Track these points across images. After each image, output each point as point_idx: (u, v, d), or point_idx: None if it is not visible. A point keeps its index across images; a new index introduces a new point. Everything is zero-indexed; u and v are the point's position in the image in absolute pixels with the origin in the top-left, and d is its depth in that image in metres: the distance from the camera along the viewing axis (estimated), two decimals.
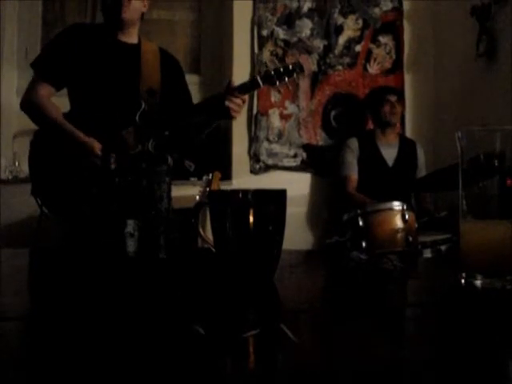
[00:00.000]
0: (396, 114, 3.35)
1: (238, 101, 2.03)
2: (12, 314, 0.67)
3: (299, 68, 2.14)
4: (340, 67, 3.77)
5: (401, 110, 3.46)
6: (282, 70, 2.11)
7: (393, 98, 3.34)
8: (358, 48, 3.81)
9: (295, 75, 2.14)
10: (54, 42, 2.20)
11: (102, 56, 2.14)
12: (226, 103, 2.02)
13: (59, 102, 2.18)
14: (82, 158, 2.04)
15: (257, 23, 3.68)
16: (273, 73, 2.11)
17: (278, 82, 2.11)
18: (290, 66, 2.13)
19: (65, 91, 2.20)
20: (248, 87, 2.11)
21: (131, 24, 2.16)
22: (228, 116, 2.06)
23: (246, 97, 2.09)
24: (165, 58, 2.28)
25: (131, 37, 2.19)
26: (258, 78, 2.10)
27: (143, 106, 2.09)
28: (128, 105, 2.09)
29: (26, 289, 0.88)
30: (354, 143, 3.39)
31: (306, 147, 3.71)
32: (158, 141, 2.09)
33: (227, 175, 3.53)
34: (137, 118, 2.07)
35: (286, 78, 2.12)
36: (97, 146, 2.02)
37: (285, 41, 3.71)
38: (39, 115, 2.11)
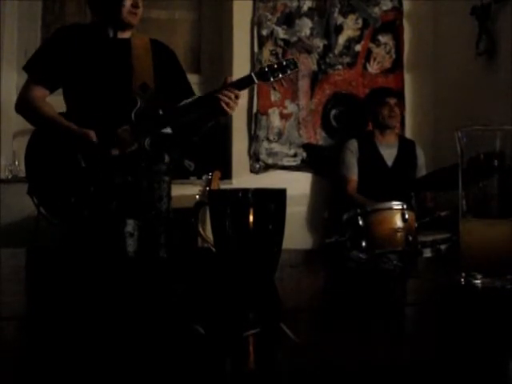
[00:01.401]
0: (395, 116, 3.35)
1: (230, 94, 2.03)
2: (11, 313, 0.67)
3: (293, 64, 2.16)
4: (340, 67, 3.77)
5: (400, 112, 3.46)
6: (275, 66, 2.13)
7: (392, 101, 3.34)
8: (358, 47, 3.81)
9: (289, 72, 2.16)
10: (45, 44, 2.20)
11: (93, 54, 2.13)
12: (217, 95, 2.03)
13: (57, 102, 2.18)
14: (79, 152, 2.04)
15: (257, 23, 3.68)
16: (267, 69, 2.13)
17: (272, 78, 2.13)
18: (284, 62, 2.15)
19: (61, 91, 2.20)
20: (243, 83, 2.12)
21: (134, 26, 2.17)
22: (221, 112, 2.06)
23: (241, 93, 2.09)
24: (157, 49, 2.26)
25: (124, 33, 2.18)
26: (253, 75, 2.12)
27: (139, 103, 2.09)
28: (123, 102, 2.08)
29: (25, 288, 0.88)
30: (353, 144, 3.40)
31: (306, 147, 3.71)
32: (155, 138, 2.09)
33: (227, 174, 3.53)
34: (132, 115, 2.07)
35: (280, 74, 2.13)
36: (93, 135, 2.03)
37: (284, 40, 3.71)
38: (34, 115, 2.12)
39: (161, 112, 2.11)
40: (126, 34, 2.19)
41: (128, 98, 2.10)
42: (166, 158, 2.19)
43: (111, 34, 2.15)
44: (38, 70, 2.13)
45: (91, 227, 1.96)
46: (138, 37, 2.24)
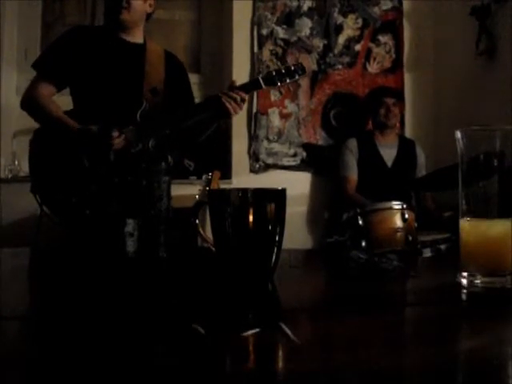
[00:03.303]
0: (393, 116, 3.35)
1: (236, 96, 2.03)
2: (11, 313, 0.67)
3: (301, 69, 2.14)
4: (340, 66, 3.77)
5: (398, 112, 3.45)
6: (283, 71, 2.12)
7: (390, 101, 3.34)
8: (358, 47, 3.81)
9: (297, 77, 2.14)
10: (57, 41, 2.20)
11: (105, 55, 2.14)
12: (223, 99, 2.02)
13: (62, 101, 2.18)
14: (82, 152, 2.04)
15: (256, 22, 3.68)
16: (274, 74, 2.11)
17: (279, 83, 2.12)
18: (292, 68, 2.14)
19: (67, 90, 2.20)
20: (249, 87, 2.11)
21: (133, 25, 2.17)
22: (226, 113, 2.06)
23: (246, 96, 2.09)
24: (170, 59, 2.29)
25: (136, 37, 2.20)
26: (260, 79, 2.11)
27: (144, 104, 2.09)
28: (131, 103, 2.09)
29: (26, 288, 0.88)
30: (353, 144, 3.40)
31: (306, 146, 3.71)
32: (159, 140, 2.09)
33: (227, 174, 3.53)
34: (138, 116, 2.08)
35: (288, 80, 2.12)
36: (95, 131, 2.03)
37: (284, 40, 3.71)
38: (40, 112, 2.12)
39: (166, 115, 2.11)
40: (137, 38, 2.19)
41: (137, 100, 2.11)
42: (170, 159, 2.19)
43: (123, 37, 2.16)
44: (48, 66, 2.13)
45: (93, 226, 1.97)
46: (152, 44, 2.26)
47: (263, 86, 2.10)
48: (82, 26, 2.28)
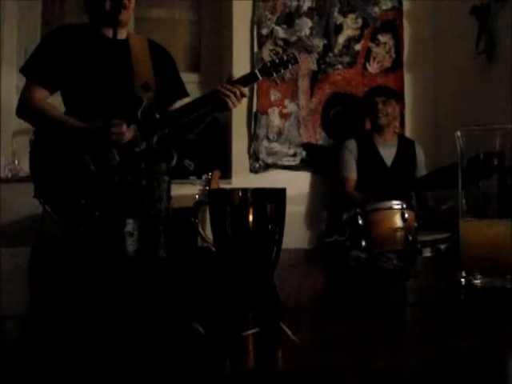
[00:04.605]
0: (383, 115, 3.33)
1: (235, 90, 2.06)
2: (12, 312, 0.67)
3: (294, 59, 2.23)
4: (340, 66, 3.77)
5: (392, 110, 3.42)
6: (277, 61, 2.20)
7: (379, 100, 3.33)
8: (358, 47, 3.81)
9: (290, 66, 2.21)
10: (41, 45, 2.18)
11: (90, 54, 2.12)
12: (222, 93, 2.05)
13: (58, 103, 2.17)
14: (87, 153, 2.03)
15: (256, 22, 3.68)
16: (269, 65, 2.20)
17: (274, 74, 2.20)
18: (285, 57, 2.22)
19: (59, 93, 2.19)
20: (247, 80, 2.16)
21: (126, 23, 2.18)
22: (226, 108, 2.08)
23: (246, 90, 2.13)
24: (154, 49, 2.28)
25: (120, 33, 2.18)
26: (257, 71, 2.17)
27: (144, 102, 2.09)
28: (126, 102, 2.08)
29: (26, 288, 0.88)
30: (352, 144, 3.41)
31: (306, 146, 3.71)
32: (162, 137, 2.10)
33: (227, 174, 3.53)
34: (139, 114, 2.07)
35: (282, 70, 2.20)
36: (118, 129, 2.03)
37: (284, 40, 3.71)
38: (38, 116, 2.10)
39: (163, 110, 2.12)
40: (122, 35, 2.18)
41: (131, 97, 2.10)
42: (175, 156, 2.18)
43: (107, 34, 2.14)
44: (37, 70, 2.11)
45: (102, 228, 1.96)
46: (135, 37, 2.25)
47: (260, 77, 2.18)
48: (64, 26, 2.26)
